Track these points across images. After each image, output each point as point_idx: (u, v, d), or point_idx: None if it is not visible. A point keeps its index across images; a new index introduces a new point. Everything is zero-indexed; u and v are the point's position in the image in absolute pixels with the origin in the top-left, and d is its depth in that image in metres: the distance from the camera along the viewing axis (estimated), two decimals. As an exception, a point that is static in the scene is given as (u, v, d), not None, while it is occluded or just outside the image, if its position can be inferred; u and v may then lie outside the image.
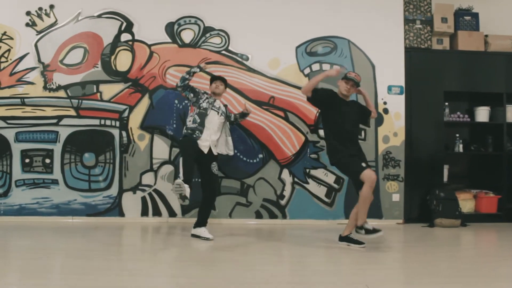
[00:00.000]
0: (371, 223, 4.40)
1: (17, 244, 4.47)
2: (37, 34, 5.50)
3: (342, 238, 4.47)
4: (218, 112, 4.76)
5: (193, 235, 4.67)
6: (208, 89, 4.95)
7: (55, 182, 5.48)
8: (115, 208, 5.45)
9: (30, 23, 5.50)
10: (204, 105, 4.70)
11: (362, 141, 5.66)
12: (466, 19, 6.00)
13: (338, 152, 4.38)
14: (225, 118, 4.87)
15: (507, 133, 5.92)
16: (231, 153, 4.99)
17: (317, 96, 4.43)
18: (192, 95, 4.76)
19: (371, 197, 4.32)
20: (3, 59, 5.46)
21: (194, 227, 4.72)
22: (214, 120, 4.71)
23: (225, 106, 5.01)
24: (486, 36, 5.99)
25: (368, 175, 4.21)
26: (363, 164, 4.30)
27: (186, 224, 5.40)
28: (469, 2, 6.06)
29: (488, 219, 5.79)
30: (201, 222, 4.70)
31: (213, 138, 4.72)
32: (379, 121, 5.72)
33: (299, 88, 5.60)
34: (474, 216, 5.79)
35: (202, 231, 4.66)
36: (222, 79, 4.92)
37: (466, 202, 5.81)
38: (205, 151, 4.64)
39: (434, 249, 4.52)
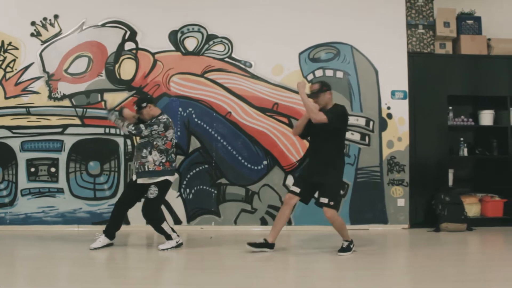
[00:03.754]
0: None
1: (23, 253, 4.48)
2: (41, 44, 5.54)
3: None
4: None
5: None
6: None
7: (60, 191, 5.50)
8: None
9: (35, 33, 5.54)
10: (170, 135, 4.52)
11: (366, 146, 5.66)
12: (468, 23, 6.00)
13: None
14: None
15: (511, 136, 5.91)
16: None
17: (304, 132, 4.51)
18: (150, 129, 4.41)
19: (281, 213, 4.42)
20: (8, 69, 5.50)
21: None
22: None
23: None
24: (489, 39, 5.99)
25: (286, 197, 4.41)
26: (294, 189, 4.37)
27: (191, 232, 5.41)
28: (471, 6, 6.06)
29: (494, 223, 5.75)
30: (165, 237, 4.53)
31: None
32: (383, 126, 5.72)
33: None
34: (480, 220, 5.76)
35: (166, 243, 4.51)
36: (151, 101, 4.61)
37: (472, 206, 5.78)
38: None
39: (440, 254, 4.50)
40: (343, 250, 4.34)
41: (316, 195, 4.43)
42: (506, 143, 5.90)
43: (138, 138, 4.56)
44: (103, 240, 4.52)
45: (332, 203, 4.22)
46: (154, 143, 4.41)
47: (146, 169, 4.40)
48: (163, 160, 4.43)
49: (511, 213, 5.78)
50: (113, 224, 4.57)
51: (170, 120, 4.52)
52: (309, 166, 4.51)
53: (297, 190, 4.37)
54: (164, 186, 4.48)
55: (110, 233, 4.56)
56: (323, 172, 4.29)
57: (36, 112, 5.50)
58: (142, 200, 4.52)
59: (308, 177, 4.39)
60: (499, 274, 3.76)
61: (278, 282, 3.55)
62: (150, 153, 4.41)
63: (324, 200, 4.23)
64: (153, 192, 4.41)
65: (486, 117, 5.97)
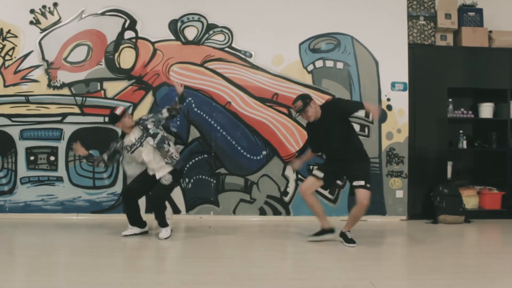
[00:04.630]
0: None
1: (23, 241, 4.51)
2: (41, 32, 5.52)
3: (341, 234, 4.49)
4: (131, 148, 4.53)
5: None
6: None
7: (59, 179, 5.51)
8: (120, 205, 5.46)
9: (34, 21, 5.52)
10: (125, 153, 4.61)
11: (366, 137, 5.66)
12: (470, 15, 5.97)
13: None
14: (143, 143, 4.51)
15: (511, 129, 5.90)
16: (175, 164, 4.56)
17: (313, 146, 4.66)
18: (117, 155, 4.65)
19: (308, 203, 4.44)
20: (7, 57, 5.48)
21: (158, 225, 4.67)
22: (136, 155, 4.56)
23: (144, 125, 4.55)
24: (490, 32, 5.96)
25: (305, 186, 4.45)
26: (315, 172, 4.42)
27: (190, 221, 5.43)
28: (473, -2, 6.05)
29: (492, 215, 5.77)
30: (159, 224, 4.62)
31: (151, 166, 4.56)
32: (383, 117, 5.71)
33: (302, 85, 5.62)
34: (478, 213, 5.78)
35: (161, 230, 4.59)
36: (120, 117, 4.51)
37: (470, 199, 5.80)
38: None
39: (438, 246, 4.52)
40: (350, 241, 4.37)
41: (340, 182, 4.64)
42: (505, 136, 5.90)
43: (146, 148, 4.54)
44: (134, 229, 4.62)
45: (368, 185, 4.26)
46: (166, 135, 4.58)
47: (175, 158, 4.53)
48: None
49: (509, 206, 5.81)
50: (132, 215, 4.62)
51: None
52: (334, 164, 4.46)
53: (321, 175, 4.38)
54: (178, 176, 4.70)
55: (134, 223, 4.63)
56: (352, 161, 4.34)
57: (36, 101, 5.49)
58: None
59: (336, 167, 4.43)
60: (496, 266, 3.78)
61: (275, 272, 3.57)
62: (169, 145, 4.54)
63: (361, 182, 4.25)
64: (167, 179, 4.50)
65: (486, 110, 5.97)
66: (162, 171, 4.51)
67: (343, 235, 4.43)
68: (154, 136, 4.47)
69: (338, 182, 4.39)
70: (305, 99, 4.34)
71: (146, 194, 4.89)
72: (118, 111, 4.50)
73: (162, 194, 4.59)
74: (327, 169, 4.44)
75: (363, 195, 4.23)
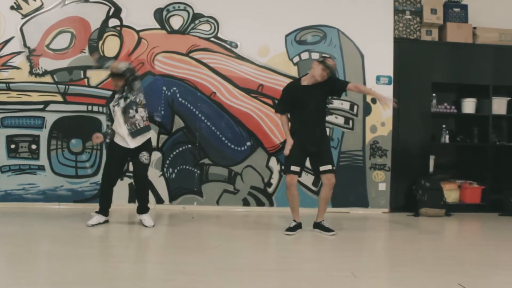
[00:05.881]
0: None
1: (3, 230, 4.43)
2: (22, 18, 5.40)
3: (316, 225, 4.55)
4: (118, 104, 4.48)
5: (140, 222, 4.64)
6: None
7: (41, 168, 5.43)
8: (102, 195, 5.41)
9: (15, 6, 5.39)
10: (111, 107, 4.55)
11: (350, 130, 5.70)
12: (455, 10, 6.02)
13: (293, 136, 4.47)
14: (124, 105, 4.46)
15: (492, 125, 5.99)
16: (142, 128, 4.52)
17: (285, 109, 4.54)
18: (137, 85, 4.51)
19: (292, 195, 4.46)
20: (-13, 43, 5.36)
21: (138, 212, 4.69)
22: (117, 115, 4.50)
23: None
24: (475, 28, 6.03)
25: (287, 179, 4.42)
26: (295, 169, 4.39)
27: (173, 211, 5.41)
28: (458, -6, 6.09)
29: (472, 209, 5.87)
30: (142, 209, 4.66)
31: (121, 132, 4.52)
32: (367, 110, 5.75)
33: (288, 76, 5.62)
34: (459, 206, 5.87)
35: (144, 217, 4.62)
36: (118, 75, 4.41)
37: (451, 192, 5.89)
38: (123, 145, 4.53)
39: (419, 238, 4.59)
40: (328, 229, 4.44)
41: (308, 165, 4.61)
42: (486, 132, 6.00)
43: (118, 107, 4.48)
44: (98, 218, 4.59)
45: (334, 167, 4.42)
46: (138, 100, 4.47)
47: (138, 127, 4.47)
48: (147, 115, 4.60)
49: (489, 200, 5.91)
50: (104, 202, 4.63)
51: None
52: (304, 138, 4.40)
53: (298, 169, 4.41)
54: (151, 148, 4.71)
55: (103, 211, 4.63)
56: (320, 141, 4.41)
57: (17, 88, 5.39)
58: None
59: (304, 150, 4.41)
60: (474, 257, 3.84)
61: (258, 263, 3.58)
62: (136, 111, 4.47)
63: (328, 166, 4.37)
64: (146, 157, 4.56)
65: (469, 105, 6.04)
66: (133, 141, 4.48)
67: (318, 225, 4.50)
68: (125, 98, 4.44)
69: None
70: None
71: (122, 170, 4.86)
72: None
73: (145, 173, 4.63)
74: (300, 160, 4.43)
75: (330, 177, 4.37)
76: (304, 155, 4.46)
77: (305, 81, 4.42)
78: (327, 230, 4.43)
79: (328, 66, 4.30)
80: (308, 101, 4.35)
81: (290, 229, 4.45)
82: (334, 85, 4.45)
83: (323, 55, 4.49)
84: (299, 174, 4.44)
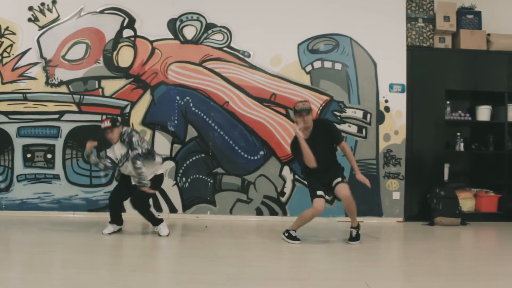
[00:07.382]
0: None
1: (19, 238, 4.49)
2: (39, 30, 5.51)
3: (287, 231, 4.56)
4: (119, 162, 4.54)
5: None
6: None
7: (56, 177, 5.50)
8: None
9: (33, 18, 5.51)
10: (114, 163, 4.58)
11: (363, 138, 5.68)
12: (468, 17, 5.98)
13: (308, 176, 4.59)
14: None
15: (508, 132, 5.91)
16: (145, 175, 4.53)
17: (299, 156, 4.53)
18: (141, 145, 4.52)
19: (309, 219, 4.48)
20: (5, 54, 5.47)
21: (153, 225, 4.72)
22: (122, 169, 4.60)
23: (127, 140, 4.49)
24: (489, 35, 5.98)
25: (316, 205, 4.34)
26: (319, 192, 4.39)
27: (186, 220, 5.43)
28: (471, 1, 6.04)
29: (488, 218, 5.79)
30: (153, 223, 4.71)
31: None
32: (380, 119, 5.73)
33: (300, 85, 5.63)
34: (474, 215, 5.79)
35: (160, 227, 4.67)
36: (108, 128, 4.48)
37: (466, 201, 5.81)
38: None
39: (434, 248, 4.52)
40: (353, 239, 4.49)
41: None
42: (502, 139, 5.92)
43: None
44: (112, 227, 4.69)
45: (345, 179, 4.49)
46: (142, 150, 4.47)
47: (143, 178, 4.47)
48: (154, 151, 4.70)
49: (505, 209, 5.82)
50: (115, 214, 4.71)
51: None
52: (320, 179, 4.46)
53: (322, 193, 4.41)
54: (156, 180, 4.67)
55: (115, 221, 4.71)
56: (333, 170, 4.50)
57: (33, 98, 5.48)
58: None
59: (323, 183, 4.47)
60: (491, 268, 3.78)
61: (271, 272, 3.57)
62: (143, 164, 4.47)
63: (338, 179, 4.41)
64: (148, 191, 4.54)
65: (483, 113, 5.98)
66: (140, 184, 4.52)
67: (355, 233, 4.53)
68: (133, 150, 4.45)
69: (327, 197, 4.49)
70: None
71: (130, 193, 4.78)
72: (104, 125, 4.48)
73: (142, 199, 4.59)
74: (321, 186, 4.44)
75: (342, 188, 4.35)
76: (324, 185, 4.49)
77: (304, 136, 4.42)
78: (350, 238, 4.49)
79: (298, 110, 4.34)
80: (314, 151, 4.35)
81: (296, 238, 4.47)
82: (331, 136, 4.50)
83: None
84: (324, 197, 4.41)
